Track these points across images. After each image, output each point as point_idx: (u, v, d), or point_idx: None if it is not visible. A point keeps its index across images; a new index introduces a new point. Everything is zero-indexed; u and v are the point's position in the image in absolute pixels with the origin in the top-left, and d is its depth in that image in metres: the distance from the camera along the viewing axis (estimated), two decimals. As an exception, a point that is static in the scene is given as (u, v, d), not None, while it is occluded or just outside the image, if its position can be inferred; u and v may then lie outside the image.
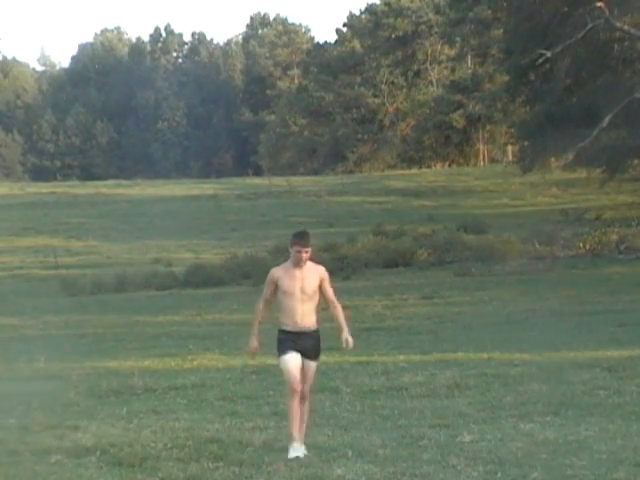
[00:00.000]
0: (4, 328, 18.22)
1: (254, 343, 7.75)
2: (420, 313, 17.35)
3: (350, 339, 7.57)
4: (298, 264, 7.35)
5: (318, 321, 7.53)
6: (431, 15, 69.16)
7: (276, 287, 7.44)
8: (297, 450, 7.24)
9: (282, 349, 7.60)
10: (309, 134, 73.71)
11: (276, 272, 7.49)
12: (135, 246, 35.70)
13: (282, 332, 7.57)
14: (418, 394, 9.61)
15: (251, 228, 39.47)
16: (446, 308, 17.93)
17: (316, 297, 7.51)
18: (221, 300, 21.71)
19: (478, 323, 15.60)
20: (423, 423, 8.30)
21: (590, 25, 29.59)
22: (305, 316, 7.45)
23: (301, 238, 7.40)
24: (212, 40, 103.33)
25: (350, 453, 7.35)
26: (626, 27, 30.79)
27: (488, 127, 65.04)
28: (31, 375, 12.01)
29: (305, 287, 7.41)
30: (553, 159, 39.46)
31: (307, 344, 7.55)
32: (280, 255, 28.82)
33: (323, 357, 12.73)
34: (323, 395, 9.61)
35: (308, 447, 7.46)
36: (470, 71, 66.98)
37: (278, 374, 11.35)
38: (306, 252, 7.32)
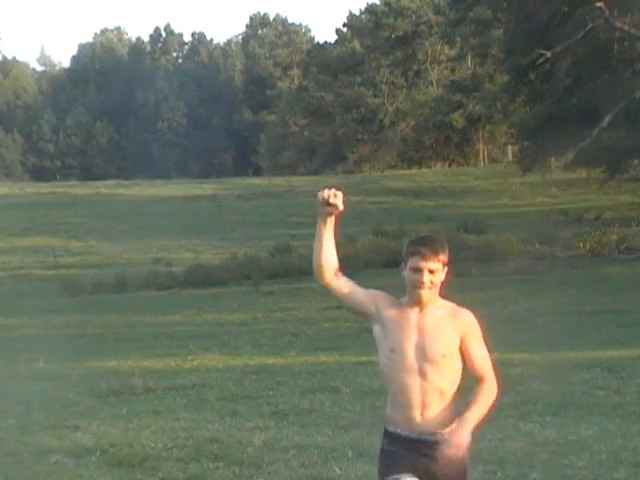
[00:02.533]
0: (4, 328, 18.22)
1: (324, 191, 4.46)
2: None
3: (455, 448, 4.11)
4: (417, 297, 4.11)
5: (454, 415, 4.15)
6: (431, 15, 69.13)
7: (368, 310, 4.21)
8: None
9: (386, 470, 4.22)
10: (309, 134, 73.67)
11: (389, 301, 4.19)
12: (135, 246, 35.69)
13: (387, 437, 4.22)
14: (418, 394, 9.58)
15: (251, 228, 39.46)
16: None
17: (452, 368, 4.12)
18: (221, 300, 21.71)
19: (478, 323, 15.57)
20: (423, 423, 8.27)
21: (590, 25, 29.58)
22: (431, 406, 4.09)
23: (423, 244, 4.13)
24: (212, 40, 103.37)
25: (350, 453, 7.35)
26: (626, 27, 30.78)
27: (488, 127, 65.00)
28: (31, 375, 12.01)
29: (427, 346, 4.08)
30: (553, 159, 39.42)
31: (435, 465, 4.14)
32: (280, 255, 28.97)
33: (322, 357, 12.81)
34: (323, 395, 9.61)
35: (308, 447, 7.46)
36: (470, 71, 66.95)
37: (278, 374, 11.41)
38: (432, 272, 4.08)
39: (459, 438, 4.11)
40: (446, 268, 4.16)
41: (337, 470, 6.85)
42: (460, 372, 4.18)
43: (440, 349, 4.10)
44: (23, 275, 30.00)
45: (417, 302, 4.14)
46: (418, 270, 4.08)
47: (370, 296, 4.22)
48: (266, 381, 10.82)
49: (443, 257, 4.13)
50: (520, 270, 24.20)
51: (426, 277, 4.09)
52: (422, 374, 4.09)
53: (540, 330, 14.19)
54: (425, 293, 4.11)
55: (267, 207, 46.12)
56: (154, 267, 28.96)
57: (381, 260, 27.28)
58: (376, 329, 4.19)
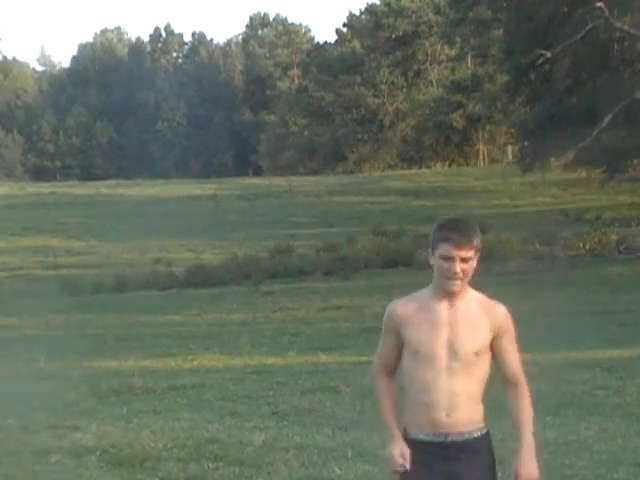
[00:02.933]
0: (4, 328, 18.21)
1: (395, 449, 3.80)
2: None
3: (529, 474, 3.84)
4: (447, 288, 3.78)
5: (483, 416, 3.89)
6: (431, 15, 69.16)
7: (400, 342, 3.84)
8: None
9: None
10: (309, 134, 73.67)
11: (400, 309, 3.85)
12: (135, 246, 35.68)
13: (409, 443, 3.83)
14: (418, 394, 9.58)
15: (251, 228, 39.45)
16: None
17: (482, 367, 3.80)
18: (221, 300, 21.71)
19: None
20: (423, 423, 8.28)
21: (590, 25, 29.58)
22: (458, 407, 3.76)
23: (455, 229, 3.77)
24: (212, 40, 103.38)
25: (350, 453, 7.35)
26: (626, 27, 30.78)
27: (488, 127, 65.01)
28: (31, 375, 12.00)
29: (458, 343, 3.76)
30: (553, 159, 39.42)
31: (464, 471, 3.81)
32: (280, 255, 28.96)
33: (322, 357, 12.80)
34: (323, 395, 9.60)
35: (308, 447, 7.46)
36: (470, 71, 66.96)
37: (278, 374, 11.41)
38: (465, 260, 3.75)
39: (530, 470, 3.85)
40: (478, 254, 3.81)
41: (337, 470, 6.84)
42: (489, 370, 3.85)
43: (473, 346, 3.76)
44: (23, 275, 29.99)
45: (447, 294, 3.78)
46: (449, 259, 3.71)
47: (391, 329, 3.85)
48: (266, 381, 10.82)
49: (477, 243, 3.78)
50: (520, 270, 24.20)
51: (458, 266, 3.73)
52: (451, 374, 3.74)
53: (540, 330, 14.17)
54: (456, 284, 3.75)
55: (267, 207, 46.12)
56: (154, 267, 28.95)
57: (381, 260, 27.28)
58: (404, 336, 3.84)
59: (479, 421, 3.86)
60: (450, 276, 3.75)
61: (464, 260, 3.75)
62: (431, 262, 3.81)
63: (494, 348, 3.84)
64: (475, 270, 3.83)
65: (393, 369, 3.93)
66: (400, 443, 3.78)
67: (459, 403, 3.76)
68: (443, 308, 3.80)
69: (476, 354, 3.78)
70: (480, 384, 3.82)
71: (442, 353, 3.75)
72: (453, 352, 3.75)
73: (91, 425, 8.70)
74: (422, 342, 3.76)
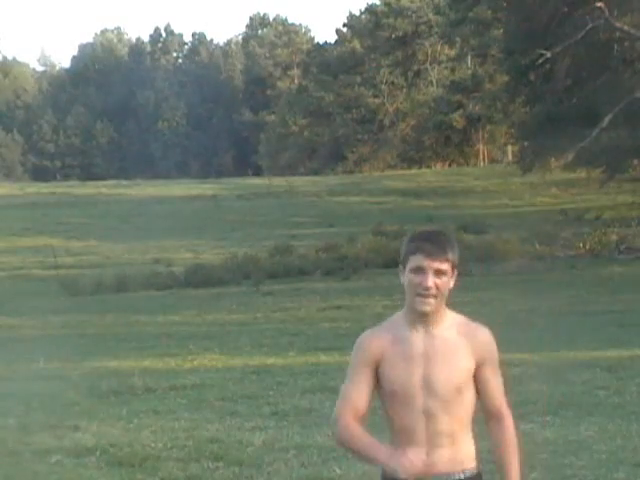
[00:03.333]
0: (4, 328, 18.21)
1: (404, 456, 3.32)
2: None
3: None
4: (419, 308, 3.34)
5: (472, 456, 3.63)
6: (431, 15, 69.12)
7: (375, 381, 3.41)
8: None
9: None
10: (309, 134, 73.66)
11: (375, 342, 3.41)
12: (135, 246, 35.67)
13: None
14: (418, 394, 9.58)
15: (251, 228, 39.44)
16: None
17: (465, 403, 3.40)
18: (221, 300, 21.71)
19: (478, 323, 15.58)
20: (423, 423, 8.28)
21: (590, 25, 29.59)
22: (439, 447, 3.40)
23: (427, 239, 3.37)
24: (212, 40, 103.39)
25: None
26: (626, 27, 30.79)
27: (488, 127, 65.00)
28: (31, 375, 12.00)
29: (435, 379, 3.35)
30: (553, 159, 39.42)
31: None
32: (280, 255, 28.96)
33: (322, 357, 12.80)
34: (323, 395, 9.60)
35: (308, 447, 7.46)
36: (470, 71, 66.94)
37: (278, 374, 11.40)
38: (438, 273, 3.32)
39: None
40: (455, 272, 3.37)
41: (337, 470, 6.85)
42: (474, 404, 3.44)
43: (454, 382, 3.32)
44: (23, 275, 29.99)
45: (421, 318, 3.33)
46: (420, 271, 3.29)
47: (364, 362, 3.39)
48: (266, 381, 10.82)
49: (452, 256, 3.33)
50: (520, 270, 24.21)
51: (431, 280, 3.28)
52: (429, 415, 3.32)
53: (540, 330, 14.18)
54: (429, 302, 3.29)
55: (267, 207, 46.10)
56: (154, 267, 28.95)
57: (381, 260, 27.28)
58: (380, 372, 3.40)
59: (465, 461, 3.52)
60: (421, 292, 3.29)
61: (438, 273, 3.30)
62: (402, 281, 3.38)
63: (476, 378, 3.39)
64: (450, 291, 3.36)
65: (363, 414, 3.44)
66: (401, 451, 3.34)
67: (440, 444, 3.37)
68: (417, 338, 3.35)
69: (457, 389, 3.33)
70: (464, 422, 3.42)
71: (418, 392, 3.32)
72: (430, 390, 3.32)
73: (91, 425, 8.70)
74: (397, 381, 3.33)
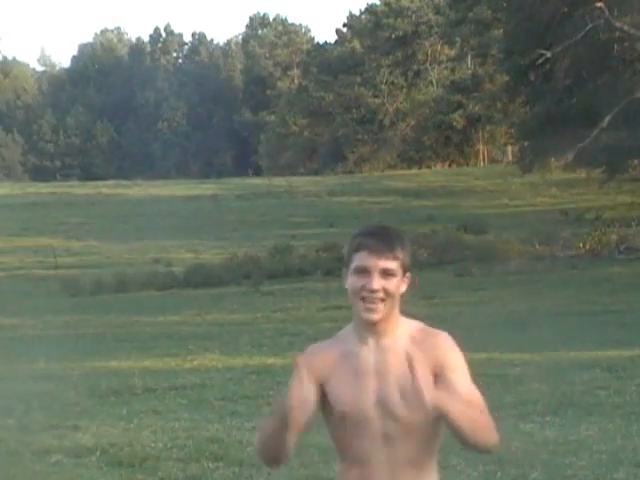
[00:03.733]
0: (4, 328, 18.22)
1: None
2: (420, 313, 17.25)
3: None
4: (365, 316, 2.90)
5: None
6: (431, 15, 69.12)
7: (318, 399, 2.94)
8: None
9: None
10: (309, 134, 73.67)
11: (319, 360, 2.96)
12: (135, 246, 35.68)
13: None
14: (418, 394, 9.58)
15: (251, 228, 39.45)
16: (446, 308, 17.92)
17: (430, 426, 2.89)
18: (221, 300, 21.72)
19: (478, 323, 15.59)
20: (423, 423, 8.28)
21: (590, 25, 29.59)
22: (400, 477, 2.92)
23: (372, 235, 2.94)
24: (212, 40, 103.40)
25: (350, 453, 7.33)
26: (626, 27, 30.78)
27: (488, 127, 65.01)
28: (31, 375, 12.01)
29: (391, 399, 2.89)
30: (553, 159, 39.43)
31: None
32: (280, 255, 28.96)
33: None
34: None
35: (308, 447, 7.46)
36: (470, 71, 66.97)
37: (278, 374, 11.40)
38: (386, 274, 2.87)
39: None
40: (408, 275, 2.92)
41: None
42: (440, 429, 2.90)
43: (409, 400, 2.80)
44: (23, 275, 29.99)
45: (368, 326, 2.88)
46: (364, 271, 2.84)
47: (301, 380, 2.78)
48: (266, 381, 10.82)
49: (402, 255, 2.88)
50: (520, 270, 24.20)
51: (377, 281, 2.83)
52: (388, 440, 2.86)
53: (540, 330, 14.19)
54: (376, 309, 2.84)
55: (267, 207, 46.10)
56: (154, 267, 28.96)
57: (381, 260, 27.21)
58: (329, 398, 2.94)
59: None
60: (366, 296, 2.84)
61: (385, 274, 2.84)
62: (345, 285, 2.92)
63: (440, 386, 2.83)
64: (402, 297, 2.92)
65: (292, 439, 2.84)
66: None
67: (401, 474, 2.89)
68: (368, 352, 2.90)
69: (417, 410, 2.78)
70: (427, 449, 2.91)
71: (373, 414, 2.86)
72: (387, 411, 2.86)
73: (91, 425, 8.70)
74: (347, 401, 2.88)
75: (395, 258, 2.88)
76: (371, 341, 2.92)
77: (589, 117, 30.45)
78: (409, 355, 2.80)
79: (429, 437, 2.91)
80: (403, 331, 2.95)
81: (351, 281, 2.89)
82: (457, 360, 2.95)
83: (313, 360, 2.94)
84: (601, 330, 13.92)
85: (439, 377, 2.87)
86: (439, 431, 2.92)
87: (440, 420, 2.81)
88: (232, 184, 57.75)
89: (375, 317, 2.87)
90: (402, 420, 2.86)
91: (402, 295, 2.93)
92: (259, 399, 9.82)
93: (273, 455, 2.93)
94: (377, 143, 71.73)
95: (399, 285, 2.91)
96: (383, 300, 2.86)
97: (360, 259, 2.87)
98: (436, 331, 3.00)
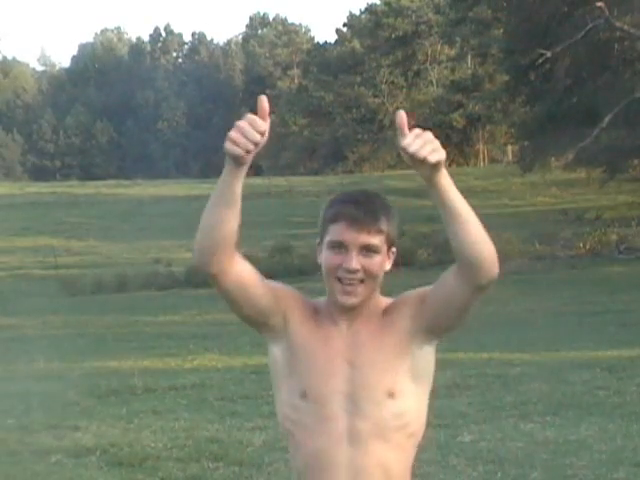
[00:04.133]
0: (4, 328, 18.22)
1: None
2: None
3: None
4: (340, 301, 2.46)
5: None
6: (431, 15, 69.15)
7: (272, 338, 2.68)
8: None
9: None
10: (309, 134, 73.70)
11: (293, 299, 2.67)
12: (135, 246, 35.69)
13: None
14: (418, 394, 9.59)
15: (251, 228, 39.37)
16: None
17: (407, 425, 2.45)
18: (221, 300, 21.62)
19: (478, 323, 15.58)
20: (423, 423, 8.29)
21: (590, 25, 29.60)
22: None
23: (351, 201, 2.46)
24: (212, 40, 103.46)
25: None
26: (626, 27, 30.79)
27: (488, 127, 65.05)
28: (31, 375, 12.00)
29: (362, 389, 2.43)
30: (553, 159, 39.44)
31: None
32: (280, 255, 28.95)
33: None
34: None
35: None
36: (470, 71, 66.99)
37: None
38: (367, 250, 2.41)
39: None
40: (393, 250, 2.47)
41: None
42: (420, 429, 2.49)
43: (385, 386, 2.40)
44: (23, 275, 30.00)
45: (342, 309, 2.45)
46: (341, 246, 2.39)
47: (276, 293, 2.59)
48: (266, 381, 10.77)
49: (387, 227, 2.42)
50: (520, 270, 24.20)
51: (355, 259, 2.37)
52: (355, 440, 2.39)
53: (540, 330, 14.18)
54: (355, 292, 2.40)
55: (267, 207, 46.11)
56: (154, 267, 28.95)
57: (381, 260, 27.23)
58: (276, 352, 2.62)
59: None
60: (343, 276, 2.39)
61: (366, 250, 2.38)
62: (319, 260, 2.50)
63: (426, 312, 2.45)
64: (385, 272, 2.48)
65: (236, 264, 2.57)
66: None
67: None
68: (338, 335, 2.46)
69: (391, 395, 2.40)
70: (402, 453, 2.44)
71: (338, 406, 2.40)
72: (355, 405, 2.40)
73: (91, 425, 8.70)
74: (310, 381, 2.44)
75: (379, 231, 2.40)
76: (343, 324, 2.47)
77: (589, 117, 30.45)
78: (383, 333, 2.45)
79: (404, 441, 2.44)
80: (377, 310, 2.49)
81: (325, 257, 2.43)
82: (420, 292, 2.52)
83: (293, 297, 2.62)
84: (601, 330, 13.92)
85: (422, 305, 2.46)
86: (417, 434, 2.48)
87: (420, 405, 2.47)
88: (232, 184, 57.66)
89: (352, 301, 2.42)
90: (372, 416, 2.40)
91: (385, 273, 2.47)
92: (259, 399, 9.81)
93: (210, 231, 2.62)
94: (377, 143, 71.74)
95: (382, 263, 2.43)
96: (363, 281, 2.40)
97: (337, 232, 2.40)
98: (401, 294, 2.55)
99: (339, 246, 2.42)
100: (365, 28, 74.24)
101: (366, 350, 2.45)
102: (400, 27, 69.84)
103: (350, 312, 2.48)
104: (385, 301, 2.53)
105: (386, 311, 2.50)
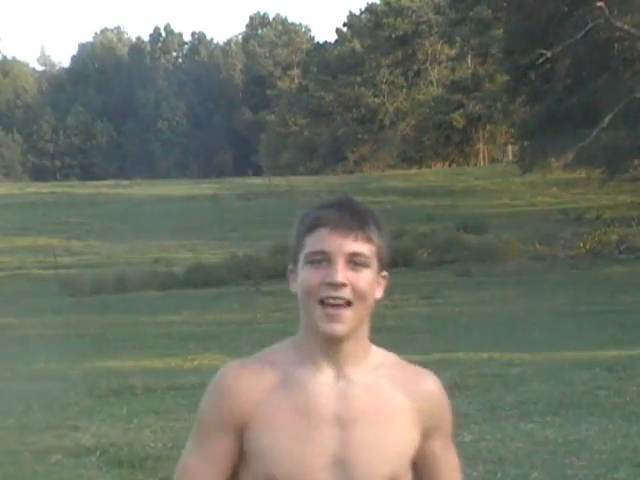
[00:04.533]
0: (4, 328, 18.21)
1: None
2: (420, 313, 17.32)
3: None
4: (324, 328, 1.89)
5: None
6: (431, 15, 69.15)
7: (236, 452, 1.92)
8: None
9: None
10: (309, 134, 73.70)
11: (245, 383, 2.03)
12: (135, 246, 35.67)
13: None
14: (418, 394, 9.58)
15: (251, 228, 39.44)
16: (446, 308, 17.92)
17: None
18: (221, 300, 21.71)
19: (478, 323, 15.59)
20: (423, 423, 8.28)
21: (590, 25, 29.58)
22: None
23: (335, 206, 1.93)
24: (212, 40, 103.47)
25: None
26: (626, 27, 30.79)
27: (488, 127, 65.05)
28: (31, 375, 12.00)
29: (356, 464, 1.86)
30: (553, 159, 39.42)
31: None
32: (280, 255, 28.90)
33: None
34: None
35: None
36: (470, 71, 66.98)
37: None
38: (354, 259, 1.90)
39: None
40: (385, 275, 1.99)
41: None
42: None
43: (387, 468, 1.90)
44: (23, 275, 29.98)
45: (327, 344, 1.92)
46: (323, 259, 1.90)
47: (219, 424, 1.95)
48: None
49: (377, 239, 1.95)
50: (520, 270, 24.20)
51: (341, 273, 1.88)
52: None
53: (540, 330, 14.18)
54: (342, 316, 1.89)
55: (267, 207, 46.09)
56: (154, 267, 28.94)
57: (381, 260, 27.18)
58: (251, 446, 1.93)
59: None
60: (326, 295, 1.89)
61: (354, 263, 1.91)
62: (293, 289, 1.97)
63: (418, 457, 1.99)
64: (378, 302, 1.99)
65: None
66: None
67: None
68: (324, 385, 1.92)
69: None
70: None
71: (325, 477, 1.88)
72: (347, 478, 1.89)
73: (91, 425, 8.69)
74: (282, 461, 1.86)
75: (368, 239, 1.93)
76: (329, 369, 1.93)
77: (589, 117, 30.45)
78: (389, 398, 1.95)
79: None
80: (377, 360, 2.01)
81: (303, 278, 1.91)
82: (448, 420, 2.05)
83: (237, 386, 2.01)
84: (601, 330, 13.91)
85: (426, 441, 1.99)
86: None
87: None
88: (232, 184, 57.74)
89: (340, 329, 1.89)
90: None
91: (376, 303, 1.98)
92: (259, 399, 9.81)
93: None
94: (377, 143, 71.74)
95: (373, 283, 1.94)
96: (350, 304, 1.90)
97: (317, 240, 1.91)
98: (424, 370, 2.07)
99: (320, 258, 1.90)
100: (365, 28, 74.24)
101: (363, 414, 1.91)
102: (400, 27, 69.83)
103: (338, 349, 1.92)
104: (378, 350, 2.04)
105: (396, 380, 1.99)
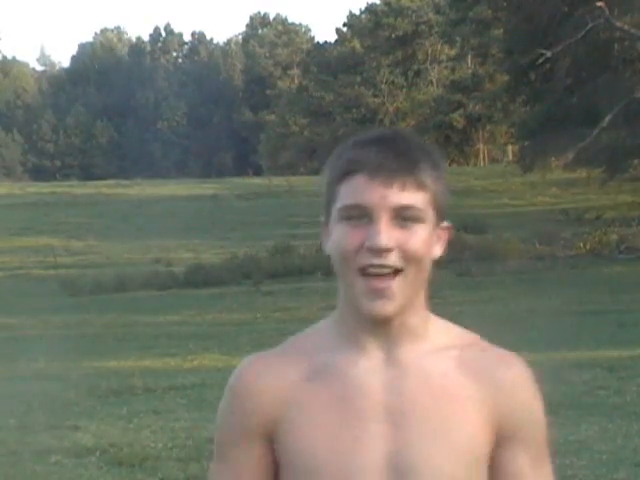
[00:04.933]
0: (4, 328, 18.21)
1: None
2: (420, 313, 17.28)
3: None
4: (371, 316, 1.48)
5: None
6: (431, 15, 69.17)
7: (270, 459, 1.52)
8: None
9: None
10: (309, 134, 73.70)
11: (268, 381, 1.55)
12: (135, 246, 35.67)
13: None
14: (418, 394, 9.58)
15: (251, 228, 39.45)
16: (446, 308, 17.88)
17: None
18: (221, 300, 21.71)
19: (478, 323, 15.56)
20: (423, 423, 8.28)
21: (590, 25, 29.58)
22: None
23: (375, 142, 1.47)
24: (212, 40, 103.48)
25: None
26: (626, 27, 30.79)
27: (488, 127, 65.05)
28: (31, 375, 12.00)
29: (412, 462, 1.45)
30: (553, 159, 39.42)
31: None
32: (280, 255, 28.93)
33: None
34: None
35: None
36: (470, 71, 66.99)
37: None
38: (403, 212, 1.45)
39: None
40: (446, 225, 1.62)
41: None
42: None
43: (448, 469, 1.53)
44: (23, 275, 29.99)
45: (372, 325, 1.55)
46: (361, 214, 1.52)
47: (249, 452, 1.55)
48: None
49: (432, 181, 1.53)
50: (520, 270, 24.20)
51: (386, 233, 1.49)
52: None
53: (540, 330, 14.18)
54: (389, 290, 1.52)
55: (267, 207, 46.11)
56: (154, 267, 28.94)
57: (381, 260, 27.18)
58: (284, 449, 1.56)
59: None
60: (366, 263, 1.52)
61: (401, 217, 1.51)
62: (326, 249, 1.60)
63: (495, 462, 1.63)
64: (435, 261, 1.65)
65: None
66: None
67: None
68: (371, 372, 1.56)
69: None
70: None
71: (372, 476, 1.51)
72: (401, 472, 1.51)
73: (91, 425, 8.70)
74: (325, 471, 1.51)
75: (420, 186, 1.51)
76: (378, 352, 1.56)
77: (589, 117, 30.45)
78: (453, 386, 1.57)
79: None
80: (440, 338, 1.65)
81: (337, 238, 1.54)
82: (539, 425, 1.77)
83: (258, 384, 1.58)
84: (601, 330, 13.91)
85: (502, 446, 1.63)
86: None
87: None
88: (232, 184, 57.74)
89: (387, 307, 1.52)
90: None
91: (435, 263, 1.63)
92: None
93: None
94: (377, 143, 71.68)
95: (429, 241, 1.56)
96: (399, 272, 1.52)
97: (352, 191, 1.52)
98: (506, 355, 1.71)
99: (358, 214, 1.51)
100: (365, 28, 74.25)
101: (419, 405, 1.54)
102: (400, 27, 69.85)
103: (386, 329, 1.55)
104: (446, 325, 1.71)
105: (466, 363, 1.60)
